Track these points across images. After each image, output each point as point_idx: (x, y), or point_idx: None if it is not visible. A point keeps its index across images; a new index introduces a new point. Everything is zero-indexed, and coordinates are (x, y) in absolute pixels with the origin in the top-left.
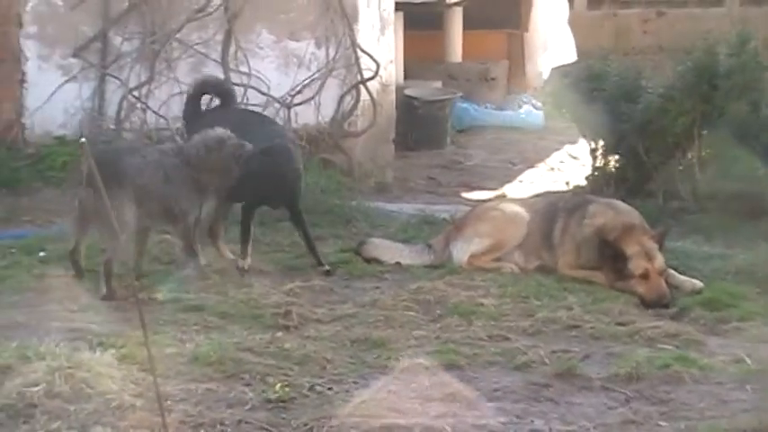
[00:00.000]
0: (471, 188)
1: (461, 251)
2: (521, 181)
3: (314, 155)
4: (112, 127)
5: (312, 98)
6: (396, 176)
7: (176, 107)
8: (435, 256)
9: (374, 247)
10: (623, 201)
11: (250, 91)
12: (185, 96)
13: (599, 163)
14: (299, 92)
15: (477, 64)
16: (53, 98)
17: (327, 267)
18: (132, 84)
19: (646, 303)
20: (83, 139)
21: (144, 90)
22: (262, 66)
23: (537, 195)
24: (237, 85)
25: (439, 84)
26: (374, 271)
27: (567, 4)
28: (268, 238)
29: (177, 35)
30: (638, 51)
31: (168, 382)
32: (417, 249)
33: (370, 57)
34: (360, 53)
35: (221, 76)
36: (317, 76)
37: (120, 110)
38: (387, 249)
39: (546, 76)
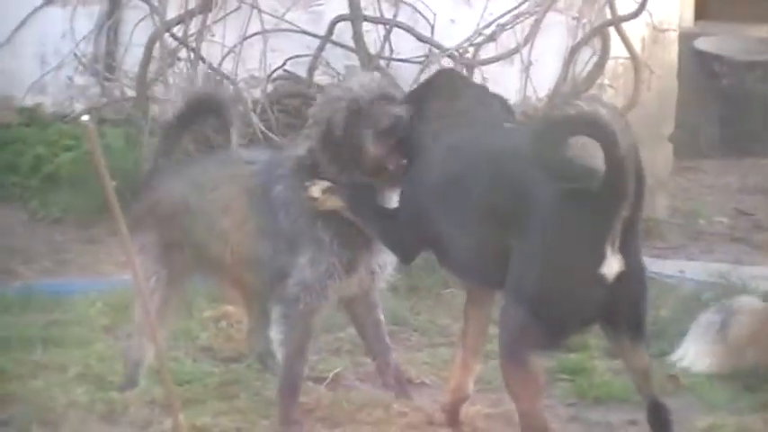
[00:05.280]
0: None
1: None
2: None
3: None
4: (131, 93)
5: (516, 52)
6: (675, 206)
7: (253, 58)
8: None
9: None
10: None
11: (400, 35)
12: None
13: None
14: (491, 38)
15: None
16: (21, 34)
17: None
18: (171, 14)
19: None
20: (85, 117)
21: (192, 25)
22: None
23: None
24: (375, 21)
25: (765, 30)
26: (624, 389)
27: None
28: (422, 316)
29: None
30: None
31: None
32: (704, 335)
33: None
34: None
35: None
36: (525, 9)
37: (148, 60)
38: None
39: None
